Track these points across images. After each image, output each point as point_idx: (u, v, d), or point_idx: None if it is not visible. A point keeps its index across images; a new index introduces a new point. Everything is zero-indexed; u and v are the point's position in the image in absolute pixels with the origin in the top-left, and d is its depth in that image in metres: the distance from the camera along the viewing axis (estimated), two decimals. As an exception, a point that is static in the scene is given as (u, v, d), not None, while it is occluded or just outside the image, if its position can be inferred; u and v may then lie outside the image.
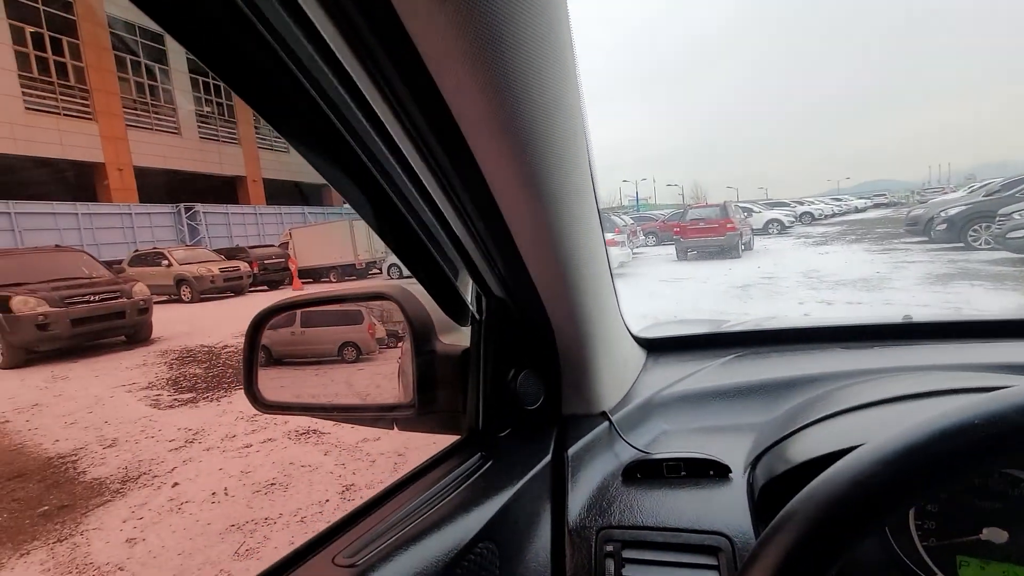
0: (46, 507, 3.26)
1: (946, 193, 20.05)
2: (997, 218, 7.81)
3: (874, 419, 0.64)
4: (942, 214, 10.07)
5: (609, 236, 12.12)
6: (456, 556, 0.49)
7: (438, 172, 0.49)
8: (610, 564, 0.58)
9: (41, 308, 7.63)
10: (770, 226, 18.18)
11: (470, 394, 0.70)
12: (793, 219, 20.02)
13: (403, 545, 0.47)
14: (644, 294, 8.84)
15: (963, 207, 9.77)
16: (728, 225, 12.95)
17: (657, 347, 1.08)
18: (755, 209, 19.34)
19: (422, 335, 0.73)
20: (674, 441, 0.77)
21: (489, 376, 0.68)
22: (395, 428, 0.81)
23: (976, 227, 9.10)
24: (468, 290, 0.69)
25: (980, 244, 8.97)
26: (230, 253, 17.17)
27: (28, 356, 7.80)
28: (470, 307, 0.68)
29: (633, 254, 13.78)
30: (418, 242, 0.58)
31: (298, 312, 1.52)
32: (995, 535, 0.55)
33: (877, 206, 30.31)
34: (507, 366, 0.70)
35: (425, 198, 0.52)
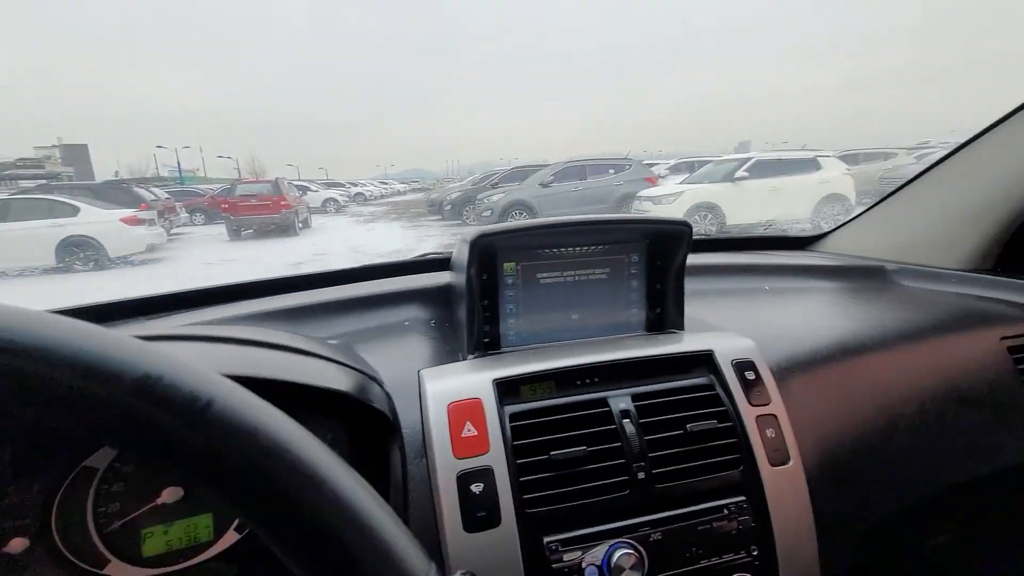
0: None
1: (455, 183, 26.12)
2: (475, 201, 10.68)
3: None
4: (448, 198, 12.99)
5: (131, 212, 9.63)
6: None
7: None
8: None
9: None
10: (327, 205, 18.96)
11: None
12: (348, 199, 21.56)
13: None
14: (183, 280, 7.49)
15: (459, 193, 12.90)
16: (282, 202, 12.60)
17: None
18: (312, 188, 19.73)
19: None
20: None
21: None
22: None
23: (467, 208, 12.16)
24: None
25: (470, 220, 12.06)
26: None
27: None
28: None
29: (170, 235, 11.50)
30: None
31: None
32: (172, 495, 0.54)
33: (414, 190, 36.53)
34: None
35: None
